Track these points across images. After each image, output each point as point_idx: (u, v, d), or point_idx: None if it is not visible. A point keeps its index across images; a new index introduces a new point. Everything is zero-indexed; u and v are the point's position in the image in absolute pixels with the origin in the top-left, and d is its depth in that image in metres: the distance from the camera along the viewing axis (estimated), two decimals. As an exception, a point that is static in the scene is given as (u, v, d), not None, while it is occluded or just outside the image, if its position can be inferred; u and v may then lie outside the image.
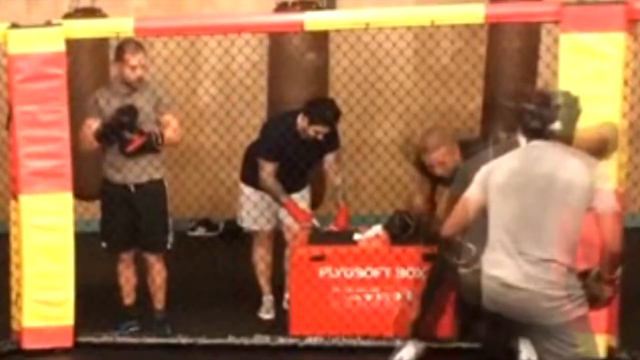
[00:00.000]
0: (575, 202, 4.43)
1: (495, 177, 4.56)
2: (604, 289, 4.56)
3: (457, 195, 4.79)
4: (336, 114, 6.36)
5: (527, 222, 4.44)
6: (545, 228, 4.43)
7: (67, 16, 7.20)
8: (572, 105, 4.56)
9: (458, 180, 5.05)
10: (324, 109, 6.34)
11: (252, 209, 6.59)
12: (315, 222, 6.50)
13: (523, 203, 4.45)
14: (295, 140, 6.34)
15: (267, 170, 6.40)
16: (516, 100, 4.77)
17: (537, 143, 4.50)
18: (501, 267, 4.46)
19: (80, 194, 6.71)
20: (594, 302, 4.53)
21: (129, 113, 6.15)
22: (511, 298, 4.43)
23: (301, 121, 6.34)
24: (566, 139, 4.51)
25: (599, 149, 5.17)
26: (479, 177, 4.64)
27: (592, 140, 5.14)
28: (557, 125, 4.48)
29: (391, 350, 5.83)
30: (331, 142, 6.45)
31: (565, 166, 4.41)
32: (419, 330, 5.88)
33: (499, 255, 4.48)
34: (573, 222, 4.49)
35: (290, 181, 6.37)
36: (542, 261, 4.41)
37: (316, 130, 6.30)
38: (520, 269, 4.41)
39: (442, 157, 5.79)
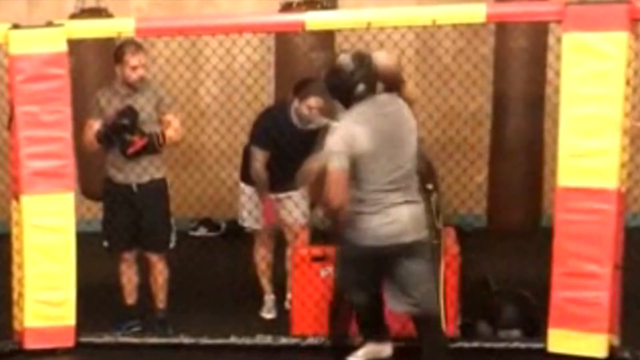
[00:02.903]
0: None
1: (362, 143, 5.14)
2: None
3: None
4: (324, 89, 6.36)
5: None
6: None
7: (73, 16, 7.21)
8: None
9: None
10: (311, 83, 6.35)
11: (254, 209, 6.59)
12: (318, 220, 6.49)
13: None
14: (291, 131, 6.32)
15: (259, 158, 6.39)
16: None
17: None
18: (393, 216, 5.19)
19: (94, 195, 6.77)
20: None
21: (129, 115, 6.16)
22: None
23: (295, 104, 6.35)
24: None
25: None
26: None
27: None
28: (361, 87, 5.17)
29: (392, 351, 5.82)
30: (322, 131, 6.37)
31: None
32: (333, 328, 5.85)
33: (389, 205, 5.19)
34: None
35: (286, 176, 6.28)
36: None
37: (308, 106, 6.29)
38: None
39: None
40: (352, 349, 5.75)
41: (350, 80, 5.16)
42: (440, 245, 5.73)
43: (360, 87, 5.16)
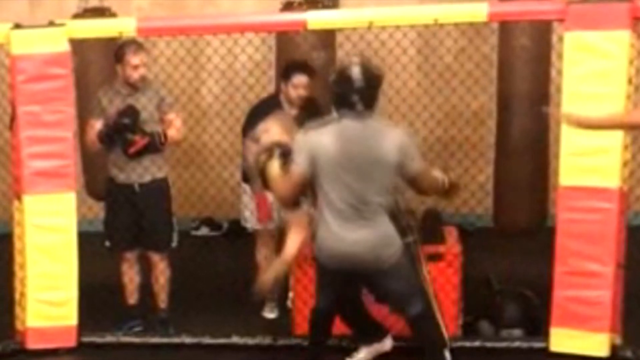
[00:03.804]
0: None
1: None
2: None
3: None
4: (311, 69, 6.42)
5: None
6: None
7: (77, 16, 7.21)
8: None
9: None
10: (292, 63, 6.45)
11: (256, 209, 6.58)
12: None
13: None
14: None
15: (253, 150, 6.39)
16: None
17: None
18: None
19: (99, 194, 6.79)
20: None
21: (130, 114, 6.15)
22: None
23: (283, 89, 6.39)
24: None
25: None
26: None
27: None
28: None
29: (394, 350, 5.82)
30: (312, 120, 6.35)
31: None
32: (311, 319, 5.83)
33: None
34: None
35: None
36: None
37: (294, 85, 6.33)
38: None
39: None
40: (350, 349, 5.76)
41: (353, 96, 5.05)
42: (416, 242, 5.62)
43: (359, 107, 5.06)
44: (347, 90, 5.05)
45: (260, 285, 5.60)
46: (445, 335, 5.56)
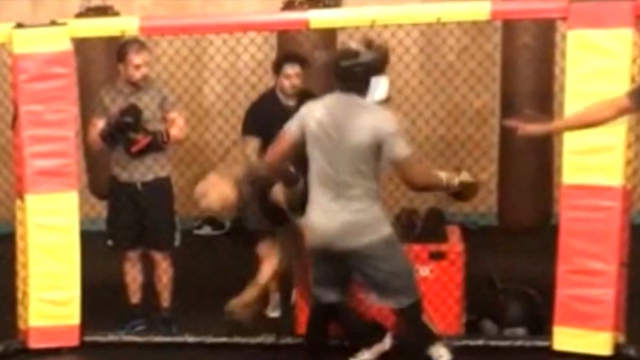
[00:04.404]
0: None
1: None
2: None
3: None
4: (302, 58, 6.47)
5: None
6: None
7: (80, 15, 7.21)
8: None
9: None
10: (282, 54, 6.54)
11: (258, 209, 6.55)
12: None
13: None
14: (281, 113, 6.30)
15: (251, 145, 6.39)
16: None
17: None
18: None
19: (102, 193, 6.80)
20: None
21: (132, 113, 6.15)
22: None
23: (277, 82, 6.43)
24: None
25: None
26: None
27: None
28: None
29: (398, 348, 5.81)
30: None
31: None
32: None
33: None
34: None
35: None
36: None
37: (286, 75, 6.38)
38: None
39: None
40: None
41: (344, 72, 5.06)
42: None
43: (349, 83, 5.07)
44: (340, 64, 5.06)
45: (232, 308, 5.66)
46: (434, 330, 5.51)
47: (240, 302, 5.74)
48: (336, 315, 5.49)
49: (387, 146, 4.97)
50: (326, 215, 5.09)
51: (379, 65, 5.12)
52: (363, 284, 5.46)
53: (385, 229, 5.15)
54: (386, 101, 5.24)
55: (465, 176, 5.38)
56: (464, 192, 5.38)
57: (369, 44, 5.14)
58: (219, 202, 5.73)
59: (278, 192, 5.67)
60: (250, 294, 5.76)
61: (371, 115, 5.00)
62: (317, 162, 5.09)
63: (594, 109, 5.05)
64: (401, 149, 5.00)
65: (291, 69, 6.39)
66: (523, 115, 5.25)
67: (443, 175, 5.29)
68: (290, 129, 5.18)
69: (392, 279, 5.19)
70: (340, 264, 5.24)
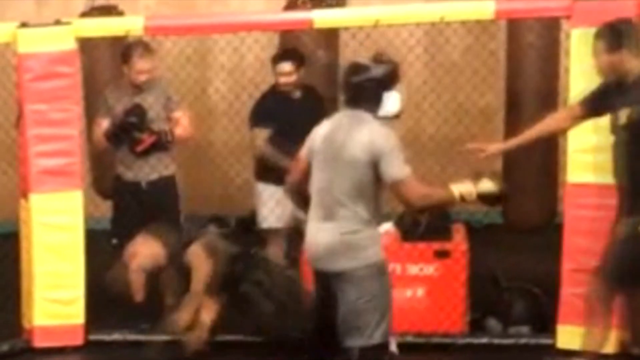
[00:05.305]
0: None
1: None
2: None
3: None
4: (297, 55, 6.49)
5: None
6: None
7: (84, 14, 7.22)
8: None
9: None
10: (277, 52, 6.57)
11: (276, 207, 6.55)
12: None
13: None
14: (287, 104, 6.41)
15: (261, 136, 6.41)
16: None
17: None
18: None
19: (107, 193, 6.82)
20: None
21: (137, 113, 6.16)
22: None
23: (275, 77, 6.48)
24: None
25: None
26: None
27: None
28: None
29: (401, 347, 5.80)
30: (316, 106, 6.33)
31: None
32: None
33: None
34: None
35: (293, 152, 6.06)
36: None
37: (281, 73, 6.41)
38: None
39: None
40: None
41: (347, 88, 4.84)
42: None
43: (351, 101, 4.85)
44: (351, 80, 4.82)
45: (174, 323, 5.69)
46: None
47: (184, 317, 5.73)
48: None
49: (382, 165, 4.64)
50: (315, 234, 4.83)
51: (390, 80, 4.97)
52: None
53: (373, 256, 4.74)
54: (398, 116, 5.06)
55: (485, 185, 4.90)
56: (486, 200, 4.98)
57: (377, 59, 5.00)
58: (150, 259, 5.80)
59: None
60: (189, 305, 5.75)
61: (370, 131, 4.70)
62: (315, 179, 4.84)
63: (551, 121, 5.36)
64: (397, 168, 4.64)
65: (284, 67, 6.43)
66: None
67: (456, 189, 4.84)
68: (301, 156, 4.94)
69: (357, 313, 4.69)
70: (324, 289, 4.90)
